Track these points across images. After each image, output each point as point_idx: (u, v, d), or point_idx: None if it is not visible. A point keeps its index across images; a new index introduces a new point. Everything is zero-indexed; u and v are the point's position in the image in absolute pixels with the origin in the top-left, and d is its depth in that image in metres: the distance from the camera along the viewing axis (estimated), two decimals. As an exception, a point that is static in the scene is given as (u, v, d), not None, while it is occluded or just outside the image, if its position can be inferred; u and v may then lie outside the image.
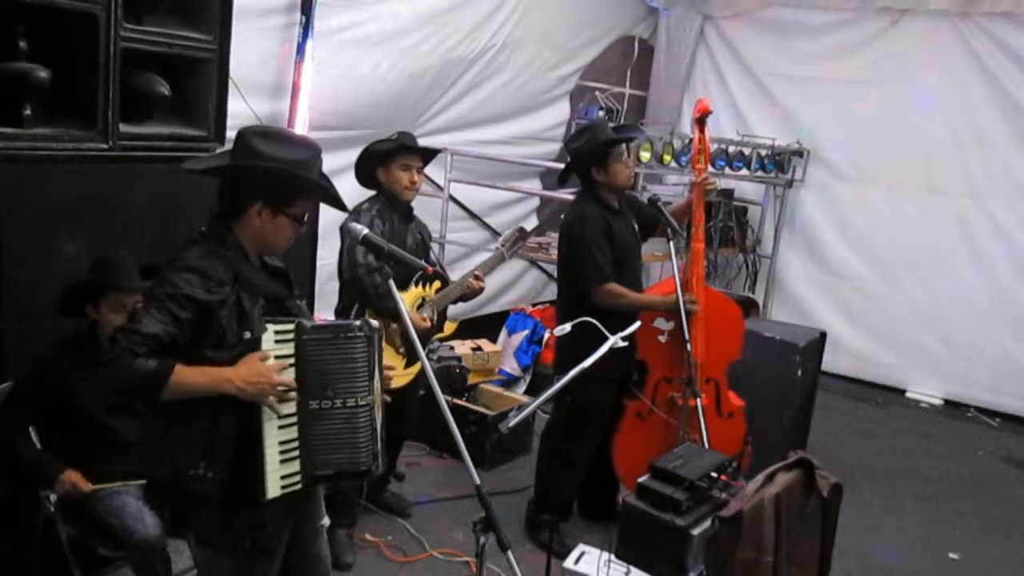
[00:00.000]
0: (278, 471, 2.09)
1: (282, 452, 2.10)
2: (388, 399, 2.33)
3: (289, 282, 2.33)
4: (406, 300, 3.46)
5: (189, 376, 2.01)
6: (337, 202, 2.30)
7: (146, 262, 2.83)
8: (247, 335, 2.09)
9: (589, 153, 3.65)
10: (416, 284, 3.59)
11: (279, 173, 2.14)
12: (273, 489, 2.09)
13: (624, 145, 3.67)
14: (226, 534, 2.18)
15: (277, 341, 2.09)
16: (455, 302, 3.74)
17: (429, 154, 3.71)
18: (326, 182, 2.25)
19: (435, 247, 5.65)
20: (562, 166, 6.24)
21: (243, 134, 2.18)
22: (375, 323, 2.24)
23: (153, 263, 2.84)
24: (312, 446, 2.13)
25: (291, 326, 2.11)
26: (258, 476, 2.06)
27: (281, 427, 2.11)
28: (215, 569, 2.24)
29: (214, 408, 2.06)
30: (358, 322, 2.20)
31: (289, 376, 2.09)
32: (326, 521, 2.52)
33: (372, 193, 3.63)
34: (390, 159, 3.56)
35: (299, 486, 2.13)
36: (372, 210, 3.52)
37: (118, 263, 2.77)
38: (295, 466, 2.12)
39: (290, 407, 2.11)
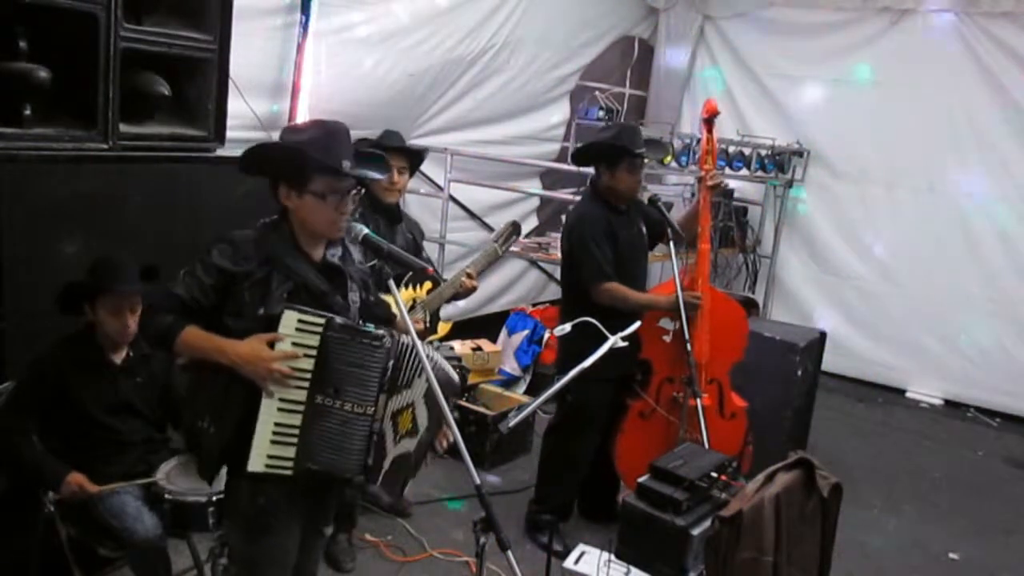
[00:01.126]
0: (266, 449, 2.13)
1: (276, 433, 2.14)
2: (438, 450, 2.38)
3: (342, 281, 2.35)
4: None
5: (196, 339, 2.15)
6: (331, 170, 2.24)
7: (146, 263, 2.83)
8: (261, 311, 2.16)
9: (603, 150, 3.65)
10: (407, 286, 3.57)
11: (274, 150, 2.24)
12: (255, 463, 2.13)
13: (639, 160, 3.64)
14: (228, 500, 2.32)
15: (299, 329, 2.13)
16: (448, 302, 3.72)
17: (414, 154, 3.63)
18: (341, 156, 2.23)
19: (435, 247, 5.65)
20: (562, 166, 6.32)
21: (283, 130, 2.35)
22: (449, 369, 2.30)
23: (153, 264, 2.84)
24: (308, 438, 2.17)
25: (320, 319, 2.14)
26: (248, 446, 2.14)
27: (282, 410, 2.15)
28: (232, 545, 2.36)
29: (229, 374, 2.15)
30: (382, 331, 2.22)
31: (304, 364, 2.14)
32: (329, 530, 2.53)
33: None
34: None
35: (289, 472, 2.16)
36: (355, 213, 3.46)
37: (116, 265, 2.76)
38: (289, 451, 2.15)
39: (298, 395, 2.15)
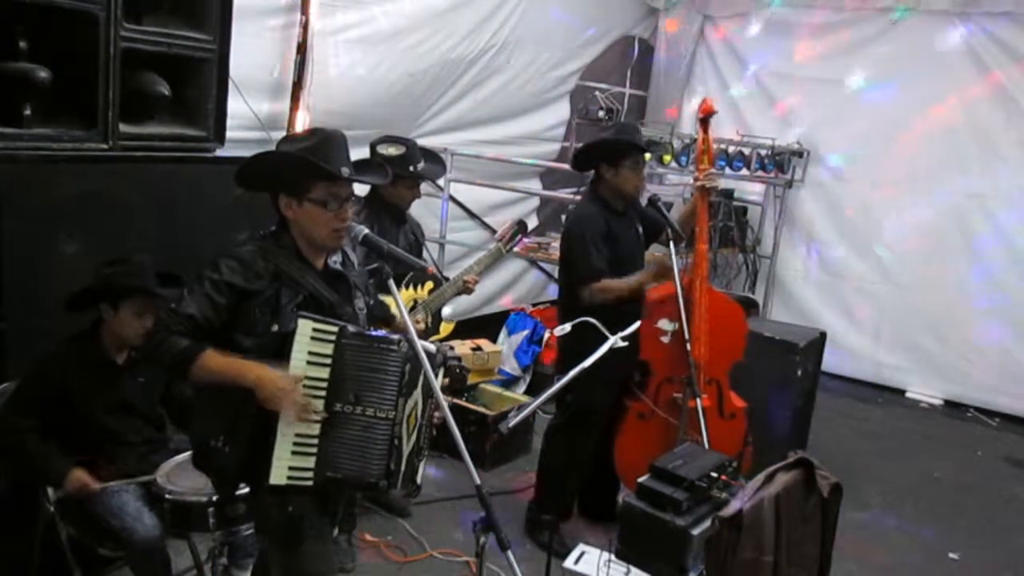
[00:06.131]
0: (287, 461, 2.13)
1: (297, 444, 2.14)
2: (433, 424, 2.40)
3: (347, 288, 2.36)
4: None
5: (215, 363, 2.12)
6: (331, 176, 2.22)
7: (161, 267, 2.82)
8: (275, 328, 2.16)
9: (606, 148, 3.63)
10: (407, 286, 3.57)
11: (273, 159, 2.24)
12: (277, 476, 2.13)
13: (642, 157, 3.64)
14: (257, 514, 2.35)
15: (314, 338, 2.14)
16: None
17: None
18: (339, 162, 2.21)
19: (435, 247, 5.65)
20: (562, 166, 6.31)
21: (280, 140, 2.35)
22: (430, 346, 2.30)
23: (170, 271, 2.83)
24: (328, 447, 2.17)
25: (334, 327, 2.16)
26: (266, 461, 2.13)
27: (301, 420, 2.14)
28: (271, 559, 2.35)
29: (241, 393, 2.14)
30: (397, 336, 2.24)
31: (320, 373, 2.15)
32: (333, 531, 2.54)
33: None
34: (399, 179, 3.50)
35: (309, 483, 2.16)
36: (362, 213, 3.48)
37: (145, 266, 2.76)
38: (308, 461, 2.15)
39: (316, 404, 2.16)
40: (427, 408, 2.36)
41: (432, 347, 2.37)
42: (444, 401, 2.25)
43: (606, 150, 3.63)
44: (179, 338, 2.11)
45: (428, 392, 2.31)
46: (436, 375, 2.30)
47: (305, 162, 2.16)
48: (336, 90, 4.71)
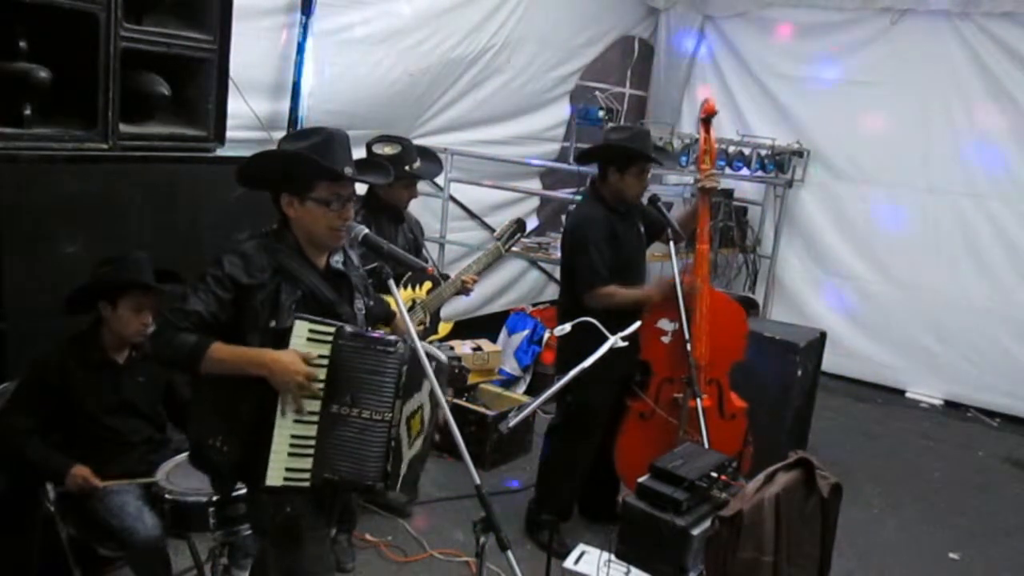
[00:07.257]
0: (284, 462, 2.13)
1: (293, 446, 2.14)
2: (437, 437, 2.38)
3: (348, 288, 2.35)
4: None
5: (225, 353, 2.12)
6: (335, 175, 2.22)
7: (160, 267, 2.82)
8: (273, 324, 2.16)
9: (616, 152, 3.61)
10: (406, 286, 3.56)
11: (275, 158, 2.24)
12: (274, 477, 2.13)
13: (648, 166, 3.64)
14: (254, 514, 2.36)
15: (310, 339, 2.14)
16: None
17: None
18: (343, 161, 2.21)
19: (435, 247, 5.65)
20: (562, 166, 6.32)
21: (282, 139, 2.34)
22: (440, 355, 2.29)
23: (169, 269, 2.83)
24: (324, 448, 2.17)
25: (330, 328, 2.15)
26: (264, 461, 2.13)
27: (297, 421, 2.15)
28: (269, 560, 2.35)
29: (239, 391, 2.15)
30: (394, 337, 2.24)
31: (320, 373, 2.14)
32: (331, 531, 2.54)
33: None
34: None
35: (306, 484, 2.16)
36: (359, 213, 3.48)
37: (142, 263, 2.76)
38: (306, 463, 2.15)
39: (313, 405, 2.15)
40: (434, 417, 2.36)
41: (443, 357, 2.37)
42: (450, 414, 2.24)
43: (616, 154, 3.61)
44: (187, 335, 2.11)
45: (437, 402, 2.31)
46: (443, 387, 2.29)
47: (309, 160, 2.16)
48: (336, 90, 4.71)
